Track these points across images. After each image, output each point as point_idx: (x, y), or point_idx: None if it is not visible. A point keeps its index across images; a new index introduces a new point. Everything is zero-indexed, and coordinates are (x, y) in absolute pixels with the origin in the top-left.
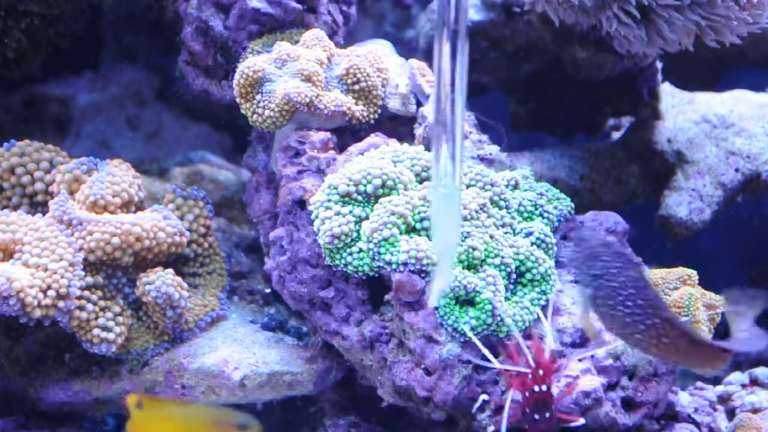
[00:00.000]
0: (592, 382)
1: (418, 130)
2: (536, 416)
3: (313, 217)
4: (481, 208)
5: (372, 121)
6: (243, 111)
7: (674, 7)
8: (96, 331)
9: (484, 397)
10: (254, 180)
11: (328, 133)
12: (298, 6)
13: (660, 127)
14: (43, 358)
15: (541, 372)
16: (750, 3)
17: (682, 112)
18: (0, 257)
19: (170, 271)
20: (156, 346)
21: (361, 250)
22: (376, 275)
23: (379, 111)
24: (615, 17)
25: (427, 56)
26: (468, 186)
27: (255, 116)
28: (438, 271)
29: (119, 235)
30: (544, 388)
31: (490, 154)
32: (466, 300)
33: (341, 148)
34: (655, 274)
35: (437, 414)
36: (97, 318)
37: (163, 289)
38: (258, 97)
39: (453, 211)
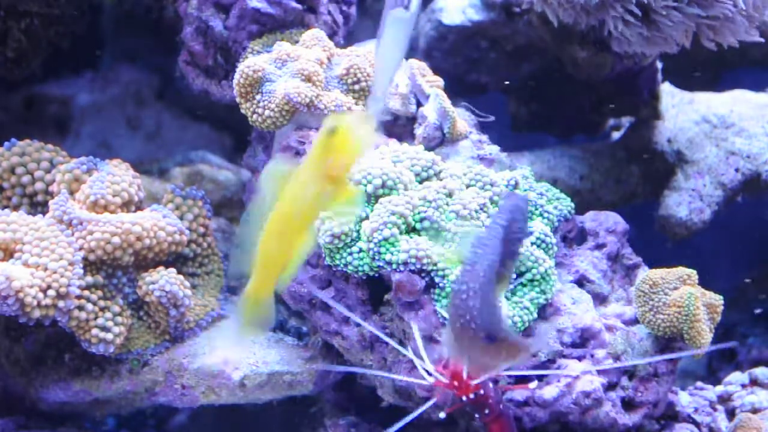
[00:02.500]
0: (593, 382)
1: (418, 130)
2: (482, 412)
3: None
4: (481, 208)
5: None
6: (243, 111)
7: (674, 7)
8: (95, 330)
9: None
10: (254, 180)
11: None
12: (298, 6)
13: (660, 127)
14: (43, 358)
15: (457, 384)
16: (748, 5)
17: (682, 112)
18: (0, 257)
19: (173, 270)
20: (156, 346)
21: (361, 250)
22: (376, 275)
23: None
24: (620, 17)
25: (427, 56)
26: (468, 186)
27: (255, 116)
28: (375, 89)
29: (119, 234)
30: (470, 396)
31: (490, 154)
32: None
33: None
34: (655, 274)
35: (437, 414)
36: (96, 318)
37: (167, 288)
38: (258, 97)
39: (404, 35)
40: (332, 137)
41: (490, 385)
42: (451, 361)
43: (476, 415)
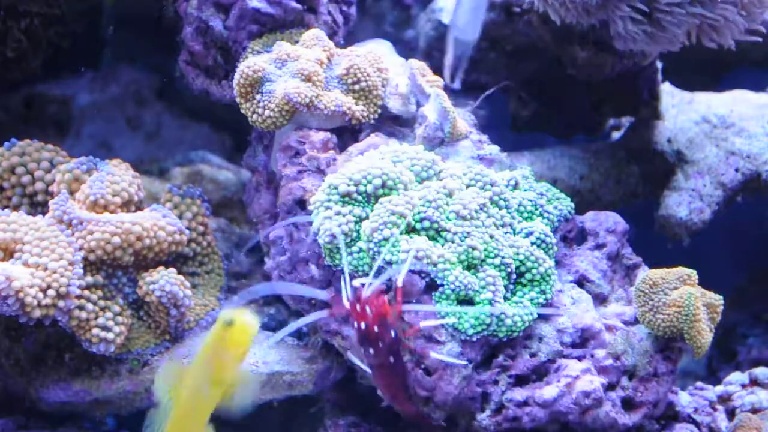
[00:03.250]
0: (592, 382)
1: (418, 130)
2: (369, 350)
3: (313, 216)
4: (481, 208)
5: (372, 121)
6: (243, 111)
7: (677, 4)
8: (95, 330)
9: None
10: (254, 180)
11: (328, 133)
12: (298, 6)
13: (660, 127)
14: (43, 358)
15: (359, 308)
16: (748, 3)
17: (682, 112)
18: (0, 257)
19: (173, 270)
20: (157, 346)
21: (361, 250)
22: (376, 275)
23: (379, 111)
24: (627, 16)
25: (427, 56)
26: (468, 186)
27: (255, 116)
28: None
29: (120, 234)
30: (363, 325)
31: (490, 154)
32: (465, 300)
33: (341, 148)
34: (655, 274)
35: (437, 414)
36: (96, 317)
37: (168, 288)
38: (258, 97)
39: None
40: (228, 330)
41: (391, 333)
42: (363, 292)
43: (369, 350)
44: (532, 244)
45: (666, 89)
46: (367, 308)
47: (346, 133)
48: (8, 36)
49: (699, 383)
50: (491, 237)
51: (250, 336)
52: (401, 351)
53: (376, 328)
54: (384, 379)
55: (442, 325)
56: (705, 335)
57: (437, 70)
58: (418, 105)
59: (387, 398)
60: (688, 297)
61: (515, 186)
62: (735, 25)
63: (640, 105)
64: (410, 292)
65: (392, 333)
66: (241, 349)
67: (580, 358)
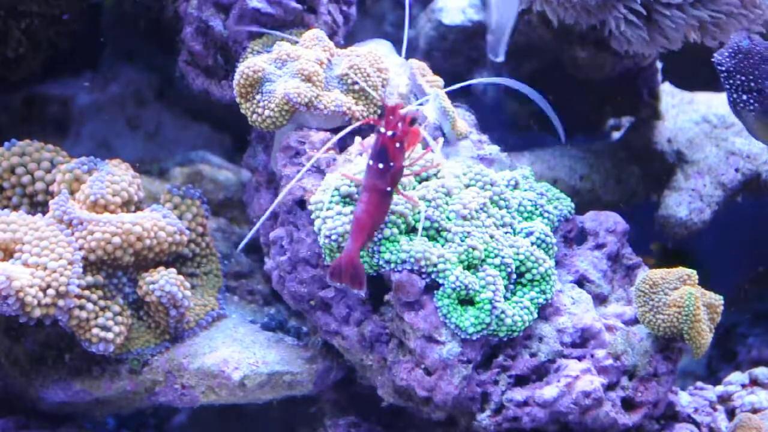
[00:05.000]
0: (592, 382)
1: None
2: (379, 164)
3: (313, 216)
4: (481, 208)
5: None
6: (243, 111)
7: (676, 5)
8: (95, 330)
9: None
10: (254, 180)
11: (328, 133)
12: (298, 6)
13: (660, 127)
14: (43, 358)
15: (394, 118)
16: (750, 1)
17: (682, 112)
18: (0, 257)
19: (173, 270)
20: (156, 346)
21: None
22: (375, 275)
23: (379, 111)
24: (622, 17)
25: (427, 56)
26: (468, 185)
27: (255, 116)
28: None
29: (120, 234)
30: (390, 133)
31: (490, 154)
32: (465, 299)
33: (341, 148)
34: (655, 274)
35: (437, 414)
36: (96, 317)
37: (167, 288)
38: (258, 97)
39: None
40: None
41: (403, 158)
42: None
43: (379, 164)
44: (532, 244)
45: (666, 89)
46: (400, 124)
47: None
48: (8, 36)
49: (699, 383)
50: (491, 237)
51: None
52: (394, 191)
53: (397, 144)
54: (369, 205)
55: (444, 324)
56: (705, 335)
57: (437, 70)
58: None
59: (355, 229)
60: (688, 297)
61: (515, 186)
62: (737, 20)
63: (640, 105)
64: (410, 292)
65: (402, 161)
66: None
67: (580, 358)
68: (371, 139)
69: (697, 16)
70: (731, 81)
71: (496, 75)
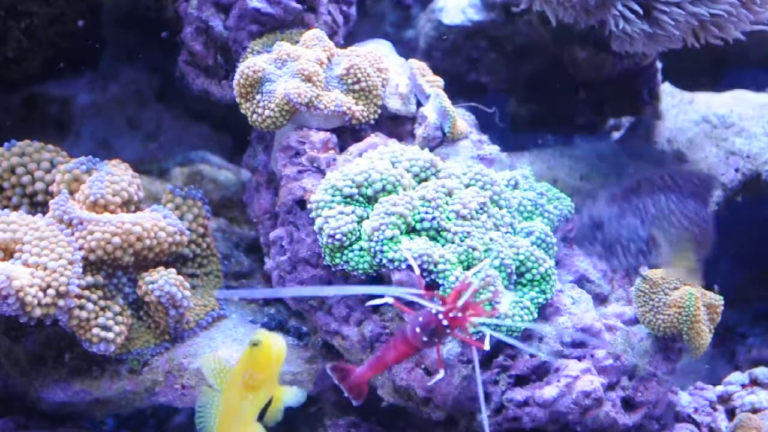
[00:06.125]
0: (592, 382)
1: (418, 130)
2: (420, 331)
3: (313, 216)
4: (481, 208)
5: (372, 121)
6: (243, 111)
7: (675, 3)
8: (96, 330)
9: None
10: (254, 180)
11: (328, 133)
12: (299, 6)
13: (660, 127)
14: (43, 358)
15: (451, 307)
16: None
17: (682, 112)
18: (0, 257)
19: (172, 270)
20: (156, 346)
21: (361, 249)
22: (375, 274)
23: (379, 111)
24: (620, 15)
25: (427, 56)
26: (468, 185)
27: (255, 116)
28: None
29: (120, 234)
30: (445, 322)
31: (490, 154)
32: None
33: (341, 148)
34: (655, 274)
35: (437, 414)
36: (97, 317)
37: (166, 288)
38: (258, 97)
39: None
40: (254, 350)
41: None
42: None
43: (424, 338)
44: (532, 243)
45: (666, 89)
46: (460, 303)
47: (346, 133)
48: (8, 36)
49: (699, 383)
50: (491, 238)
51: (277, 356)
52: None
53: (448, 330)
54: (398, 355)
55: None
56: (704, 336)
57: (437, 70)
58: (418, 105)
59: (375, 364)
60: (688, 297)
61: (515, 186)
62: (739, 19)
63: (640, 105)
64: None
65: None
66: (267, 369)
67: (580, 358)
68: (369, 140)
69: (696, 14)
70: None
71: (494, 77)
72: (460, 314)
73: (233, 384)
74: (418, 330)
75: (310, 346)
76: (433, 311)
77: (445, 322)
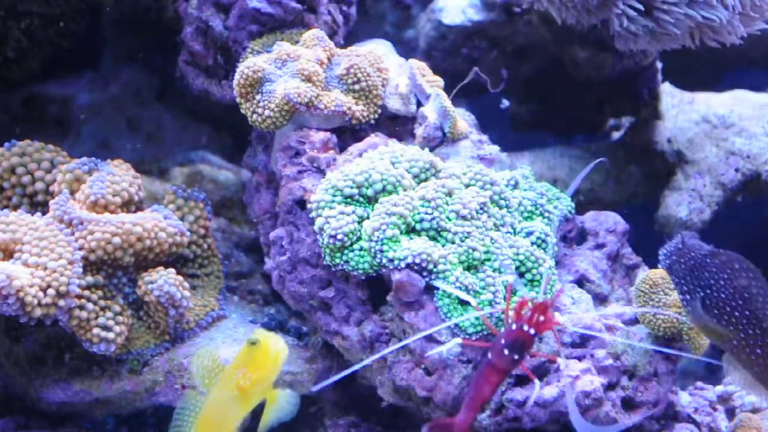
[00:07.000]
0: (593, 382)
1: (419, 130)
2: (509, 352)
3: (313, 216)
4: (481, 208)
5: (372, 121)
6: (243, 111)
7: (674, 3)
8: (96, 330)
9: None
10: (254, 180)
11: (328, 133)
12: (298, 6)
13: (660, 127)
14: (43, 358)
15: (536, 318)
16: (747, 7)
17: (682, 112)
18: (0, 257)
19: (172, 270)
20: (156, 346)
21: (362, 248)
22: (375, 275)
23: (379, 111)
24: (623, 14)
25: (427, 56)
26: (468, 185)
27: (255, 116)
28: None
29: (120, 234)
30: (531, 331)
31: (490, 154)
32: (466, 300)
33: (341, 148)
34: (655, 274)
35: (437, 414)
36: (97, 317)
37: (166, 288)
38: (258, 97)
39: None
40: (252, 350)
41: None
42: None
43: (506, 351)
44: (533, 243)
45: (666, 89)
46: (536, 316)
47: (346, 133)
48: (8, 36)
49: (699, 383)
50: (491, 238)
51: (275, 358)
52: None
53: (534, 339)
54: (491, 384)
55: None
56: (703, 336)
57: (437, 70)
58: (418, 105)
59: (471, 403)
60: None
61: (515, 185)
62: (732, 28)
63: (640, 105)
64: (410, 292)
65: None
66: (263, 369)
67: (580, 358)
68: (370, 140)
69: (690, 16)
70: (672, 278)
71: (494, 77)
72: (541, 317)
73: (224, 382)
74: (506, 352)
75: (310, 346)
76: (513, 326)
77: (531, 331)
